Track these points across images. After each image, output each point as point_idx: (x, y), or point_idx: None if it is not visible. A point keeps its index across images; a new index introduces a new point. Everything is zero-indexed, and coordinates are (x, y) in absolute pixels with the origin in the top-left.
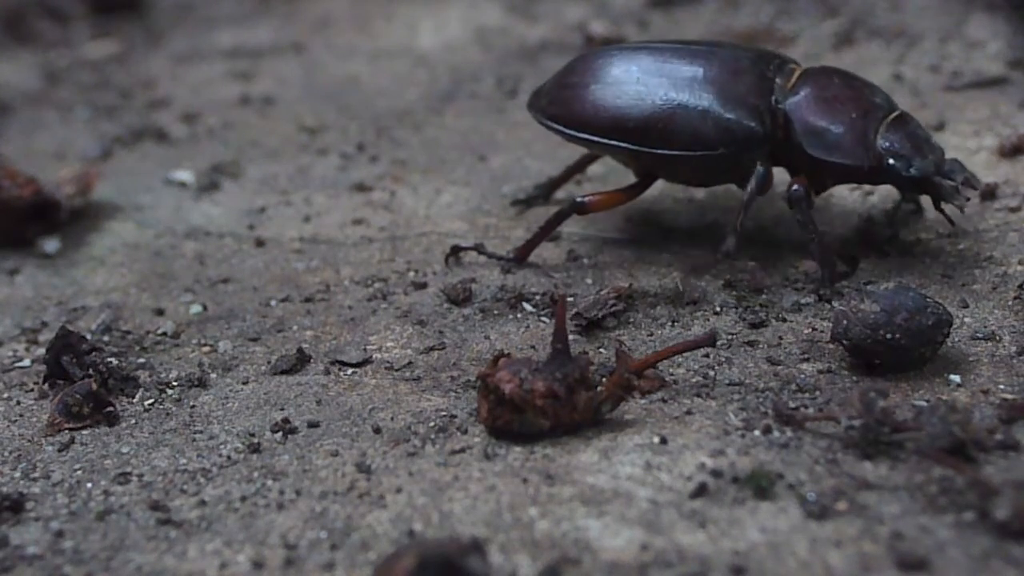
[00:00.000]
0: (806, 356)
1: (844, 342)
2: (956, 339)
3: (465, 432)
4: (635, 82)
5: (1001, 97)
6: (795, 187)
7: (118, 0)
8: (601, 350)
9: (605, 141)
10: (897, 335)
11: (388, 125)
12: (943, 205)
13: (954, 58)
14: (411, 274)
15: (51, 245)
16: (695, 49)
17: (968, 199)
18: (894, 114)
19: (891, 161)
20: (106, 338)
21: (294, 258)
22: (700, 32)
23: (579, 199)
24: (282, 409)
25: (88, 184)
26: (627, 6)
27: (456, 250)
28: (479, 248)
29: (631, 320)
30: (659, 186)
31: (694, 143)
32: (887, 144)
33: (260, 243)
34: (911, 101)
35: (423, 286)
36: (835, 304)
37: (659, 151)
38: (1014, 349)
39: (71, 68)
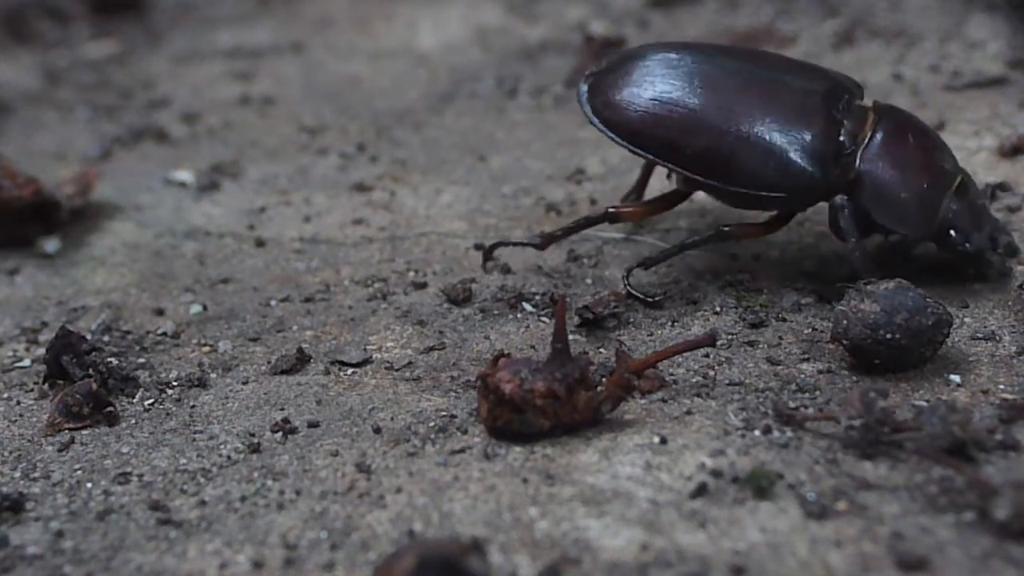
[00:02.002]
0: (806, 356)
1: (844, 342)
2: (956, 339)
3: (465, 432)
4: (697, 103)
5: (1001, 97)
6: (839, 197)
7: (118, 0)
8: (601, 350)
9: (659, 161)
10: (897, 335)
11: (388, 125)
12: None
13: (954, 58)
14: (411, 274)
15: (51, 245)
16: (764, 73)
17: (1010, 269)
18: (958, 180)
19: (952, 234)
20: (106, 338)
21: (294, 258)
22: (699, 32)
23: (611, 209)
24: (282, 409)
25: (88, 184)
26: (627, 6)
27: (490, 251)
28: (504, 242)
29: (631, 320)
30: (658, 185)
31: (752, 183)
32: (951, 216)
33: (260, 243)
34: (911, 101)
35: (423, 286)
36: (835, 304)
37: (716, 184)
38: (1014, 349)
39: (71, 68)
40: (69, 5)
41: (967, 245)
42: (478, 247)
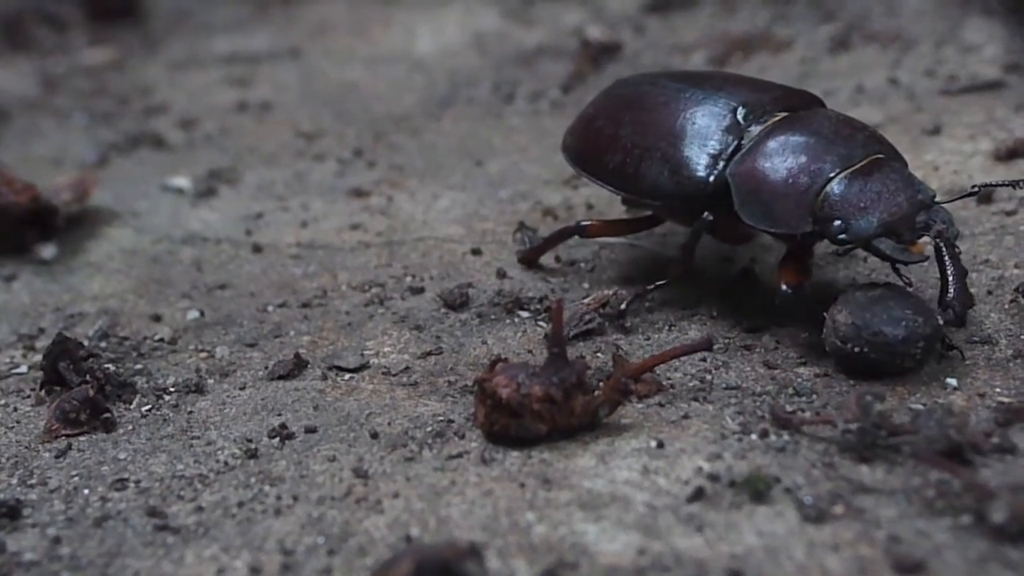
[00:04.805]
0: (803, 360)
1: (826, 348)
2: (953, 342)
3: (462, 437)
4: (618, 123)
5: (997, 101)
6: (783, 288)
7: (116, 7)
8: (598, 354)
9: (592, 179)
10: (865, 349)
11: (385, 130)
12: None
13: (950, 62)
14: (408, 279)
15: (48, 251)
16: (692, 93)
17: (925, 258)
18: (853, 168)
19: (830, 224)
20: (103, 344)
21: (291, 264)
22: (697, 36)
23: (582, 223)
24: (279, 415)
25: (85, 190)
26: (624, 11)
27: (521, 225)
28: (527, 226)
29: (628, 324)
30: None
31: (654, 192)
32: (828, 205)
33: (257, 249)
34: (907, 105)
35: (420, 291)
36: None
37: (631, 195)
38: (1010, 352)
39: (68, 75)
40: (66, 12)
41: (843, 236)
42: (475, 251)
